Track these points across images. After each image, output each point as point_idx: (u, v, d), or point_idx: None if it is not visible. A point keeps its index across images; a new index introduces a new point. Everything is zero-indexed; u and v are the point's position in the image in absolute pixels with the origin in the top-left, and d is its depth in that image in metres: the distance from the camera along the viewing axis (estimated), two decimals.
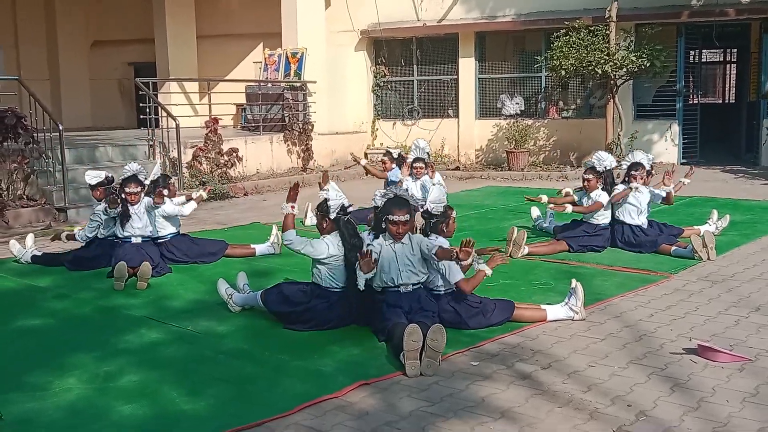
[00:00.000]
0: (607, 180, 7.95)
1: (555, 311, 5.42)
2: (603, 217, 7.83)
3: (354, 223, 5.50)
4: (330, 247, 5.35)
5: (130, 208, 7.19)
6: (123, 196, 7.20)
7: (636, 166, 7.86)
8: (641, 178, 7.83)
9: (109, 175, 7.77)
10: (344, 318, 5.34)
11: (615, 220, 7.88)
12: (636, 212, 7.81)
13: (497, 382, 4.30)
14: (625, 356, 4.67)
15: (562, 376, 4.36)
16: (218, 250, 7.78)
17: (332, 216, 5.44)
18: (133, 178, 7.23)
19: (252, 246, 7.97)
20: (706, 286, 6.33)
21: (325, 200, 5.46)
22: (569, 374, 4.39)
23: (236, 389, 4.28)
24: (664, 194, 7.97)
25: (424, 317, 4.97)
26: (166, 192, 7.46)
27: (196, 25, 18.64)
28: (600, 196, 7.77)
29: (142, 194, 7.27)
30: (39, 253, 7.80)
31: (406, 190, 6.25)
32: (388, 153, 10.26)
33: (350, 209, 5.49)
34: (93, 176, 7.62)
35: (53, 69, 20.13)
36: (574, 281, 5.48)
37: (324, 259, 5.35)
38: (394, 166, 9.91)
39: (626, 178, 7.90)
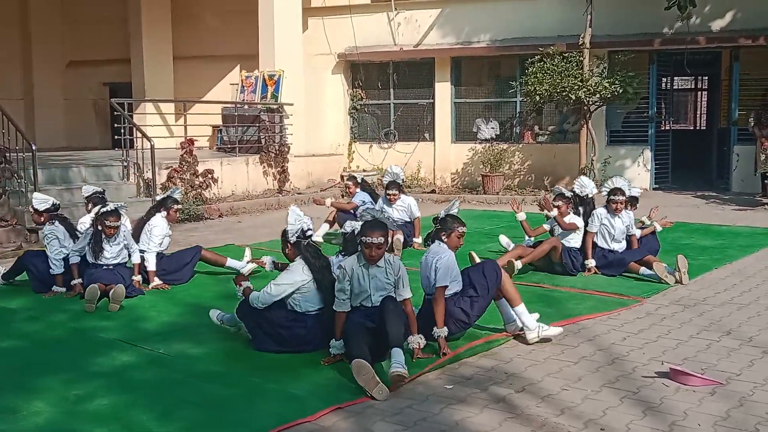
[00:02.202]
0: (587, 207, 8.06)
1: (527, 316, 5.44)
2: (574, 241, 7.91)
3: (316, 245, 5.51)
4: (297, 274, 5.33)
5: (103, 239, 7.06)
6: (100, 228, 7.05)
7: (615, 191, 7.87)
8: (621, 204, 7.84)
9: (56, 201, 7.68)
10: (321, 340, 5.31)
11: (598, 248, 7.91)
12: (609, 238, 7.88)
13: (471, 405, 4.30)
14: (598, 380, 4.69)
15: (535, 400, 4.37)
16: (194, 256, 7.77)
17: (292, 240, 5.44)
18: (114, 212, 7.07)
19: (226, 258, 7.97)
20: (678, 310, 6.39)
21: (284, 230, 5.50)
22: (543, 398, 4.40)
23: (208, 412, 4.24)
24: (638, 233, 8.09)
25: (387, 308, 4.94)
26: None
27: (172, 46, 18.62)
28: (574, 219, 7.87)
29: (120, 228, 7.13)
30: (5, 270, 7.66)
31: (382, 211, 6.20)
32: (351, 177, 10.37)
33: (309, 233, 5.48)
34: (41, 201, 7.55)
35: (27, 88, 19.97)
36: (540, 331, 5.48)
37: (298, 288, 5.33)
38: (358, 189, 10.03)
39: (606, 204, 7.92)
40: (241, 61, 17.66)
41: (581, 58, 14.58)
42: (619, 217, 7.86)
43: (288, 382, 4.69)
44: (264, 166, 15.08)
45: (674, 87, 20.07)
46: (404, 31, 17.34)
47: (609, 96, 14.28)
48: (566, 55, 14.66)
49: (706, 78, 21.95)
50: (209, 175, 13.52)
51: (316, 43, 17.69)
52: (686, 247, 9.17)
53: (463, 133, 17.28)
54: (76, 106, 20.49)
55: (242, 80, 16.36)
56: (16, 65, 19.86)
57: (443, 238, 5.52)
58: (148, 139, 12.37)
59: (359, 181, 10.25)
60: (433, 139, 17.40)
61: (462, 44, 16.81)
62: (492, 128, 16.91)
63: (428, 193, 15.94)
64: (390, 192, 9.55)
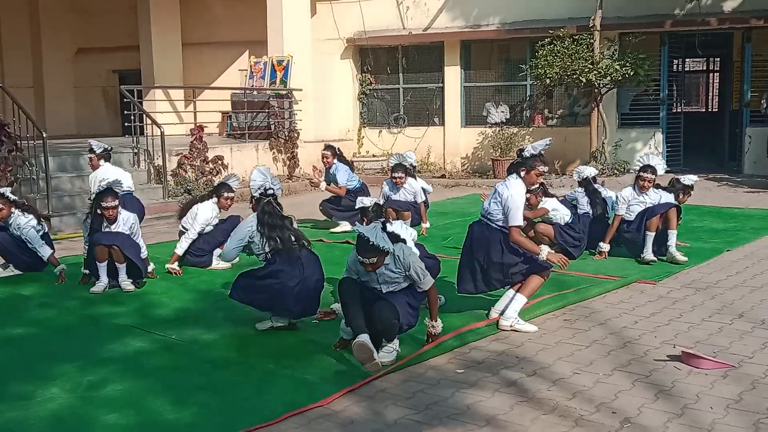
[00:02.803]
0: (590, 187, 8.06)
1: (517, 305, 5.46)
2: (561, 219, 7.80)
3: (277, 205, 5.59)
4: (246, 227, 5.53)
5: (104, 224, 6.79)
6: (99, 212, 6.75)
7: (646, 168, 7.55)
8: (649, 182, 7.55)
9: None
10: (303, 284, 5.37)
11: (623, 220, 7.72)
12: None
13: (483, 389, 4.31)
14: (610, 363, 4.69)
15: (547, 383, 4.37)
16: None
17: (256, 196, 5.66)
18: (109, 191, 6.74)
19: None
20: (689, 293, 6.37)
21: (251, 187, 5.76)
22: (554, 381, 4.40)
23: (221, 398, 4.26)
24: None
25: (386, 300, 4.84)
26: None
27: (181, 32, 18.57)
28: (545, 202, 7.76)
29: (122, 214, 6.85)
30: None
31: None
32: (329, 147, 10.08)
33: (270, 192, 5.61)
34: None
35: (37, 76, 19.99)
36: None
37: (251, 239, 5.51)
38: (335, 161, 9.88)
39: (635, 180, 7.69)
40: (250, 47, 17.62)
41: (592, 41, 14.46)
42: (647, 194, 7.59)
43: (300, 368, 4.71)
44: (274, 152, 15.09)
45: (686, 69, 19.93)
46: (413, 15, 17.25)
47: (620, 78, 14.18)
48: (576, 37, 14.55)
49: (718, 59, 21.75)
50: (219, 162, 13.52)
51: (324, 27, 17.62)
52: (698, 230, 9.14)
53: (472, 117, 17.21)
54: (86, 93, 20.52)
55: (251, 66, 16.33)
56: (25, 53, 19.88)
57: (521, 173, 5.54)
58: (158, 125, 12.38)
59: (337, 151, 10.07)
60: (442, 123, 17.35)
61: (471, 27, 16.71)
62: (502, 112, 16.83)
63: (438, 177, 15.90)
64: (396, 175, 9.41)
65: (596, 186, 8.26)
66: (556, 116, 16.49)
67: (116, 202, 6.78)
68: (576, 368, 4.61)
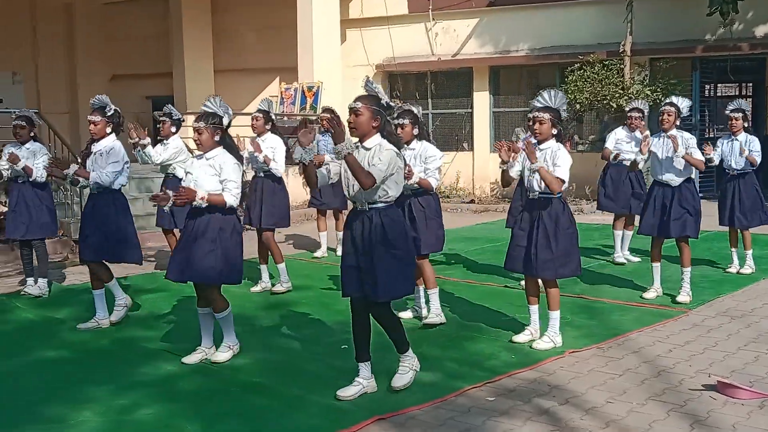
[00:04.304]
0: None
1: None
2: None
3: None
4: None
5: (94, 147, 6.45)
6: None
7: (735, 110, 8.55)
8: (737, 121, 8.54)
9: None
10: None
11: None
12: (732, 158, 8.68)
13: (514, 417, 4.26)
14: (644, 392, 4.62)
15: (579, 412, 4.31)
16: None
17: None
18: (98, 108, 6.48)
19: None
20: (725, 321, 6.26)
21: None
22: (587, 410, 4.34)
23: (250, 423, 4.26)
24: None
25: (369, 276, 4.55)
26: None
27: (213, 59, 18.88)
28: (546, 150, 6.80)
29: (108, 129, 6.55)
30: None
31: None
32: (330, 110, 9.47)
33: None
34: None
35: (72, 102, 20.38)
36: None
37: None
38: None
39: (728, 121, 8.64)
40: (281, 74, 17.81)
41: (622, 66, 14.44)
42: (736, 139, 8.55)
43: (329, 393, 4.68)
44: (303, 178, 15.15)
45: (718, 94, 19.80)
46: (442, 41, 17.35)
47: (651, 104, 14.09)
48: (607, 62, 14.53)
49: (751, 85, 21.57)
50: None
51: (354, 54, 17.78)
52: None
53: None
54: None
55: (282, 92, 16.50)
56: (61, 80, 20.30)
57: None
58: (191, 151, 12.41)
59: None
60: (471, 148, 17.35)
61: (500, 53, 16.75)
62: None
63: (467, 203, 15.88)
64: (321, 115, 9.03)
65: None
66: (587, 141, 16.41)
67: (98, 118, 6.45)
68: (609, 397, 4.55)
